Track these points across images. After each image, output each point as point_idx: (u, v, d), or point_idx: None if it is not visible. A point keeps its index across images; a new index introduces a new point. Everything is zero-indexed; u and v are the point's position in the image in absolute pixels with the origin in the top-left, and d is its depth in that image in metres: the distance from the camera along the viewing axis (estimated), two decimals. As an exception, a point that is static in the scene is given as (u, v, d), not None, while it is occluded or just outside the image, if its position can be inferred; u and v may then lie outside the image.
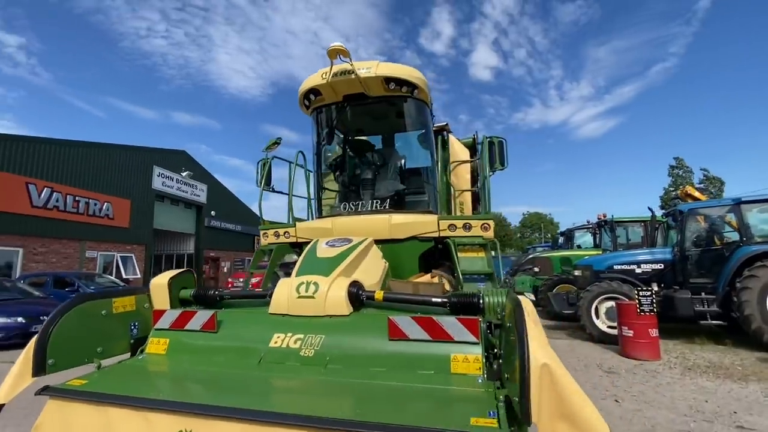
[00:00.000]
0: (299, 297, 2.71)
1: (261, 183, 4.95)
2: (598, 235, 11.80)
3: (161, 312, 2.80)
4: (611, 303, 7.13)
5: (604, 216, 11.21)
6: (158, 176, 18.06)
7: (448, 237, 4.13)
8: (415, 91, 4.29)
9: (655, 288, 7.59)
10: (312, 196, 4.88)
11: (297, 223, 4.61)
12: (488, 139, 4.47)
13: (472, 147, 6.34)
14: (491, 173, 4.50)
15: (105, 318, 2.71)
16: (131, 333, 2.89)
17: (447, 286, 3.44)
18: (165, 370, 2.52)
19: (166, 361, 2.62)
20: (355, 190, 4.74)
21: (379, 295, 2.68)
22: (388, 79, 4.13)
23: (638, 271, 7.74)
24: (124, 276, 15.15)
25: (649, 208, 8.36)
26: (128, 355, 2.82)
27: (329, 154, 4.88)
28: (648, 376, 5.13)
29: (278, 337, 2.52)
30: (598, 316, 7.40)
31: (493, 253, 3.83)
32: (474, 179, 6.17)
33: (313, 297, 2.69)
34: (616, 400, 4.24)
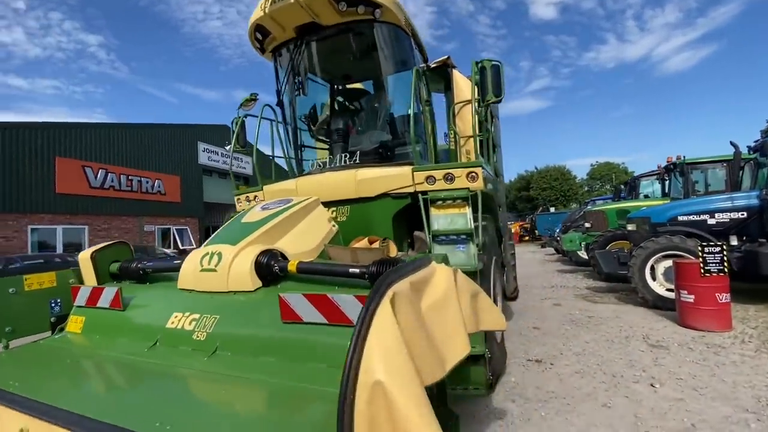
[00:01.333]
0: (201, 270, 2.30)
1: (233, 143, 4.52)
2: (668, 183, 9.96)
3: (77, 288, 2.62)
4: (671, 262, 5.88)
5: (679, 158, 9.34)
6: (203, 151, 18.85)
7: (426, 191, 3.41)
8: (378, 12, 3.44)
9: (735, 242, 6.12)
10: (288, 154, 4.35)
11: (264, 186, 4.15)
12: (479, 64, 3.53)
13: None
14: (483, 106, 3.59)
15: (14, 296, 2.57)
16: (52, 311, 2.74)
17: (393, 252, 2.78)
18: (70, 352, 2.34)
19: (77, 341, 2.48)
20: (334, 145, 4.12)
21: (292, 265, 2.15)
22: None
23: (711, 222, 6.27)
24: (181, 247, 16.32)
25: (732, 143, 6.65)
26: (49, 333, 2.72)
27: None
28: (708, 352, 4.08)
29: (176, 316, 2.19)
30: (654, 278, 6.20)
31: (468, 210, 3.04)
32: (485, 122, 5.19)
33: (215, 270, 2.26)
34: (653, 385, 3.36)
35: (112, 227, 14.34)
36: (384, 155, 3.89)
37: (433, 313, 1.35)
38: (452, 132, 4.69)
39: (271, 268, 2.15)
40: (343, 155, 3.77)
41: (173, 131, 17.09)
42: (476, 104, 3.55)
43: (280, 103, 4.10)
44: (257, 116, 4.07)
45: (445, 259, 1.91)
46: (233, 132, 4.53)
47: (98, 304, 2.45)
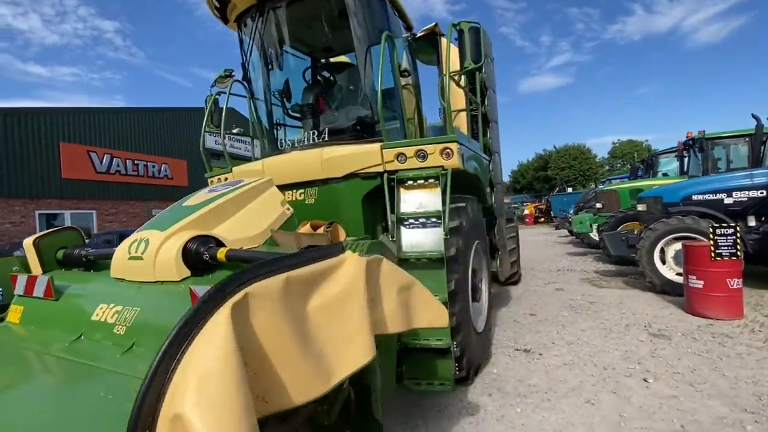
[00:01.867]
0: (129, 258, 2.13)
1: (204, 123, 4.31)
2: (687, 159, 9.33)
3: (15, 277, 2.49)
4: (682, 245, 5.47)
5: (701, 133, 8.69)
6: (210, 135, 18.67)
7: (397, 171, 3.14)
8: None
9: (753, 222, 5.64)
10: (255, 133, 4.13)
11: (234, 167, 3.94)
12: (456, 27, 3.18)
13: None
14: (463, 73, 3.26)
15: (-44, 285, 2.49)
16: (-7, 300, 2.65)
17: (341, 237, 2.53)
18: (4, 342, 2.25)
19: (13, 332, 2.38)
20: (305, 122, 3.86)
21: (221, 253, 1.95)
22: None
23: (728, 201, 5.78)
24: (190, 231, 16.49)
25: (754, 116, 6.08)
26: (-8, 323, 2.63)
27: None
28: (713, 343, 3.75)
29: (101, 308, 2.03)
30: (664, 261, 5.80)
31: (433, 192, 2.76)
32: (480, 96, 4.83)
33: (141, 258, 2.08)
34: (646, 379, 3.09)
35: (120, 212, 14.53)
36: (361, 133, 3.61)
37: (325, 313, 1.12)
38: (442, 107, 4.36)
39: (200, 256, 1.96)
40: (311, 133, 3.51)
41: (179, 114, 17.02)
42: (447, 67, 3.21)
43: (246, 78, 3.84)
44: (218, 93, 3.84)
45: (378, 247, 1.66)
46: (206, 110, 4.33)
47: (34, 294, 2.33)
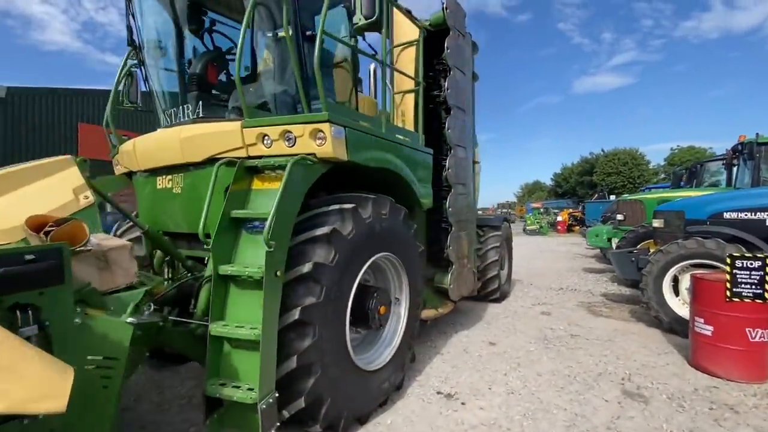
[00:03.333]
0: None
1: (111, 99, 3.79)
2: (736, 169, 7.76)
3: None
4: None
5: (759, 135, 7.14)
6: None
7: (261, 156, 2.44)
8: None
9: (802, 252, 4.33)
10: (142, 104, 3.57)
11: (122, 146, 3.41)
12: None
13: (442, 25, 4.05)
14: (356, 31, 2.50)
15: None
16: None
17: (82, 237, 1.84)
18: None
19: None
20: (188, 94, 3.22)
21: None
22: None
23: (771, 222, 4.49)
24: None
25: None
26: None
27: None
28: (706, 417, 2.72)
29: None
30: (677, 293, 4.65)
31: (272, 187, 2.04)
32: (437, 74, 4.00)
33: None
34: (577, 470, 2.18)
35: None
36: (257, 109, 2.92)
37: None
38: (384, 87, 3.57)
39: None
40: (184, 107, 2.87)
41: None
42: (319, 27, 2.42)
43: (131, 42, 3.27)
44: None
45: None
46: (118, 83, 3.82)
47: None
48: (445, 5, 3.88)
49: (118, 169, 3.63)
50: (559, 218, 24.43)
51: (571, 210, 26.03)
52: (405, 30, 3.91)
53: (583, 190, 44.89)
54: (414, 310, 3.22)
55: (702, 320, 3.50)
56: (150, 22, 3.21)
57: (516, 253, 7.45)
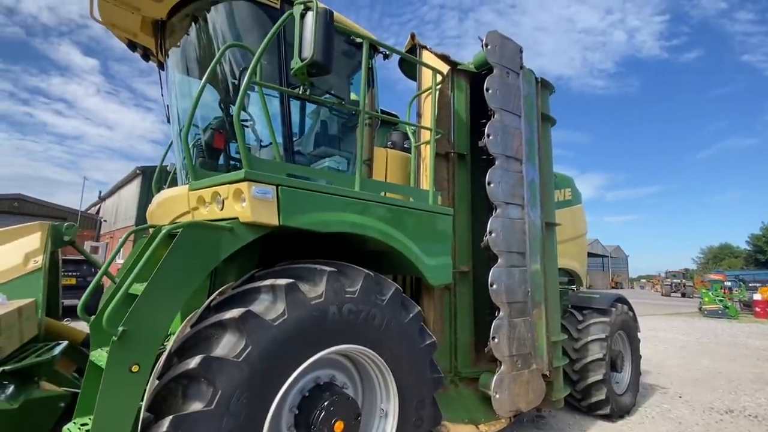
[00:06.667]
0: None
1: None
2: None
3: None
4: None
5: None
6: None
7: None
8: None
9: None
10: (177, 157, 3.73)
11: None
12: (302, 5, 2.15)
13: (486, 65, 3.48)
14: (295, 74, 2.15)
15: None
16: None
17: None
18: None
19: None
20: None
21: None
22: None
23: None
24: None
25: None
26: None
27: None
28: None
29: None
30: None
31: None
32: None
33: None
34: None
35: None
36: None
37: None
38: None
39: None
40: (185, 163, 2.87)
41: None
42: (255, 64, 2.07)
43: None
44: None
45: None
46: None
47: None
48: (484, 41, 3.28)
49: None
50: (757, 296, 18.01)
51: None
52: (425, 72, 3.44)
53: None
54: (410, 429, 2.33)
55: None
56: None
57: (674, 344, 5.36)
